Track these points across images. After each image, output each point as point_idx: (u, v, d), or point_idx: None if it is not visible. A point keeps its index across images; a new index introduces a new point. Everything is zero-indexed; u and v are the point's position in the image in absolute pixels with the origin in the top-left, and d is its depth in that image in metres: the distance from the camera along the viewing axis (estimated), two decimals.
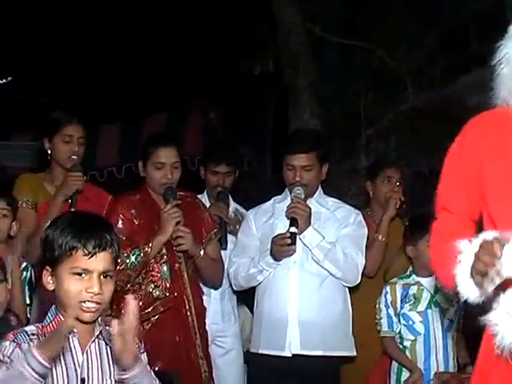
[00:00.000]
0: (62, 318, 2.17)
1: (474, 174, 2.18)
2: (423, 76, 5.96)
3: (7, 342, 2.13)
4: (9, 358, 2.10)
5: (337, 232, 3.83)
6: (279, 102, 6.88)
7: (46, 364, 2.01)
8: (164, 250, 3.71)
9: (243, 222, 4.14)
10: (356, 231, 3.88)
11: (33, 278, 3.57)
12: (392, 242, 4.19)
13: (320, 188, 3.98)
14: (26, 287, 3.55)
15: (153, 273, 3.70)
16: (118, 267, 3.51)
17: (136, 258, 3.63)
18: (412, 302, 3.86)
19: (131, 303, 2.07)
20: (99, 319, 2.24)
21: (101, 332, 2.22)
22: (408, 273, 3.97)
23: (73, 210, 3.70)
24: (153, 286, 3.69)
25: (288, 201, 3.81)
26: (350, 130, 6.06)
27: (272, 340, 3.78)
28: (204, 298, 4.16)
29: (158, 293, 3.69)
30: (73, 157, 3.86)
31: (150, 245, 3.64)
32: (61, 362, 2.14)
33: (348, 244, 3.80)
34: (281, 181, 4.01)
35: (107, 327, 2.23)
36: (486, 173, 2.15)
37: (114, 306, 3.61)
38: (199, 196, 4.39)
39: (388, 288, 3.95)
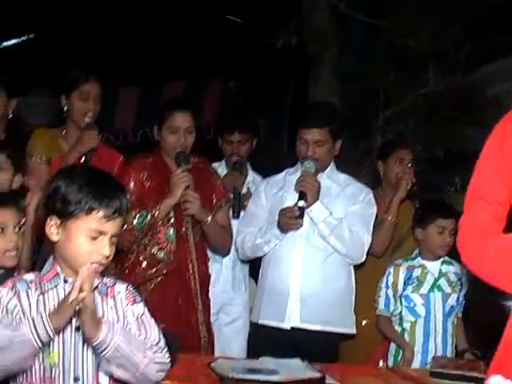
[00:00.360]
0: (58, 269, 2.18)
1: None
2: (447, 60, 5.90)
3: (5, 289, 2.15)
4: (5, 307, 2.12)
5: (345, 209, 3.81)
6: (300, 78, 6.85)
7: (52, 334, 2.04)
8: (172, 214, 3.72)
9: (254, 192, 4.14)
10: (365, 209, 3.86)
11: None
12: (401, 224, 4.17)
13: (333, 163, 3.96)
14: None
15: (159, 235, 3.71)
16: (124, 227, 3.57)
17: (143, 220, 3.64)
18: (415, 284, 3.86)
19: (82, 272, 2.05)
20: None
21: (97, 286, 2.22)
22: (413, 255, 3.96)
23: None
24: (157, 247, 3.71)
25: (299, 174, 3.80)
26: (368, 109, 6.03)
27: (272, 311, 3.79)
28: (216, 265, 4.22)
29: (162, 255, 3.71)
30: (89, 114, 3.87)
31: (158, 207, 3.66)
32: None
33: (355, 222, 3.79)
34: (295, 155, 4.00)
35: (105, 279, 2.26)
36: None
37: (119, 266, 3.66)
38: (217, 164, 4.43)
39: (391, 269, 3.93)
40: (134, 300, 2.27)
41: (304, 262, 3.77)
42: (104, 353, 2.09)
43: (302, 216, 3.64)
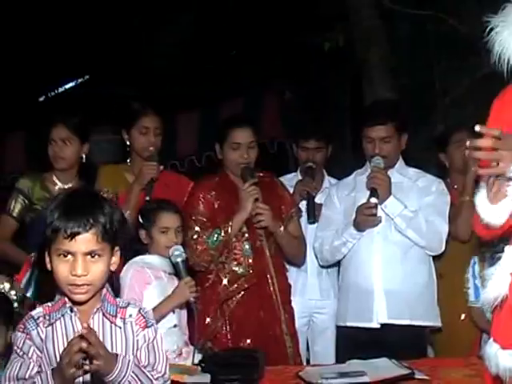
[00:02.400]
0: (66, 299, 2.21)
1: None
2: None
3: (19, 333, 2.21)
4: (21, 350, 2.18)
5: (419, 201, 3.79)
6: (353, 78, 6.82)
7: None
8: (245, 228, 3.77)
9: (326, 197, 4.15)
10: (438, 199, 3.83)
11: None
12: None
13: (401, 158, 3.96)
14: None
15: (235, 251, 3.77)
16: (200, 248, 3.64)
17: (217, 238, 3.71)
18: None
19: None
20: (103, 293, 2.25)
21: (100, 308, 2.24)
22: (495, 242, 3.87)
23: (148, 198, 3.82)
24: (235, 263, 3.76)
25: (368, 173, 3.80)
26: (425, 100, 5.97)
27: (359, 312, 3.79)
28: (301, 273, 4.24)
29: (241, 270, 3.76)
30: (150, 148, 3.95)
31: (230, 223, 3.72)
32: (63, 340, 2.19)
33: (431, 212, 3.76)
34: (361, 159, 3.99)
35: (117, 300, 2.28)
36: None
37: (199, 287, 3.72)
38: (292, 175, 4.51)
39: (476, 259, 3.88)
40: (146, 324, 2.26)
41: (384, 259, 3.77)
42: None
43: (376, 213, 3.67)
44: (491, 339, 2.33)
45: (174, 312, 3.38)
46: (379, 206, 3.72)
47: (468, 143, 2.13)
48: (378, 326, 3.74)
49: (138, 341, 2.24)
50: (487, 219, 2.22)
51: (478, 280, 3.83)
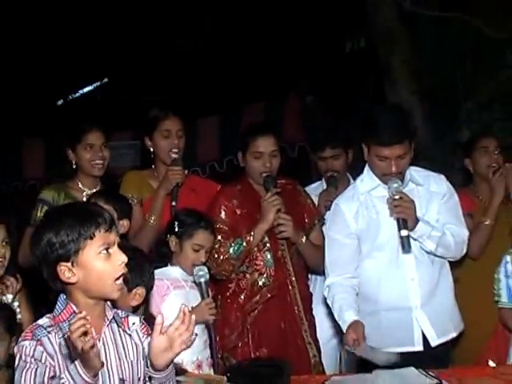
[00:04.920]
0: (74, 308, 2.22)
1: None
2: None
3: (26, 342, 2.17)
4: (32, 357, 2.15)
5: (437, 207, 3.61)
6: (375, 81, 6.78)
7: (91, 382, 2.09)
8: (266, 238, 3.74)
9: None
10: (451, 200, 3.65)
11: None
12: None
13: None
14: None
15: (256, 261, 3.74)
16: (221, 257, 3.62)
17: (239, 248, 3.69)
18: None
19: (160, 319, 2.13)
20: (108, 302, 2.29)
21: (114, 317, 2.29)
22: None
23: (174, 203, 3.79)
24: (257, 274, 3.73)
25: (382, 189, 3.55)
26: (449, 103, 5.91)
27: (399, 337, 3.55)
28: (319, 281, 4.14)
29: (263, 280, 3.73)
30: (173, 150, 3.93)
31: (252, 233, 3.69)
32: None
33: (448, 218, 3.60)
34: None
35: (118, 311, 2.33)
36: None
37: (219, 296, 3.70)
38: (317, 184, 4.45)
39: (508, 258, 3.78)
40: (148, 332, 2.31)
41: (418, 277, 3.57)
42: None
43: (409, 245, 3.39)
44: None
45: None
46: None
47: None
48: (421, 349, 3.53)
49: (144, 348, 2.30)
50: None
51: (511, 280, 3.77)
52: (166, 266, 3.53)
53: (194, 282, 3.43)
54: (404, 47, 5.89)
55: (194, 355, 3.35)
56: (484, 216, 4.06)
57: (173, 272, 3.49)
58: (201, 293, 3.39)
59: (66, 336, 2.13)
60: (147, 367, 2.21)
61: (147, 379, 2.23)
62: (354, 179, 4.30)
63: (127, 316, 2.36)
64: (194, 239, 3.47)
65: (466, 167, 4.37)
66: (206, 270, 3.40)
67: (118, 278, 2.23)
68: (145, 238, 3.78)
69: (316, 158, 4.50)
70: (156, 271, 3.41)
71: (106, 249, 2.21)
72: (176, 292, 3.42)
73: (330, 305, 3.55)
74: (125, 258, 2.24)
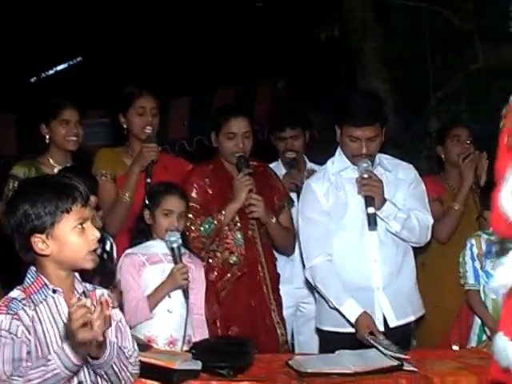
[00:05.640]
0: (45, 280, 2.25)
1: None
2: (494, 33, 5.80)
3: (2, 316, 2.16)
4: (8, 331, 2.15)
5: (404, 193, 3.69)
6: (347, 69, 6.84)
7: (79, 363, 2.13)
8: (237, 218, 3.78)
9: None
10: (418, 188, 3.73)
11: (113, 249, 3.65)
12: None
13: None
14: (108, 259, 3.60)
15: (227, 240, 3.78)
16: (192, 234, 3.66)
17: (210, 226, 3.72)
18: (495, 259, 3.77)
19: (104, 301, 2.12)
20: (77, 275, 2.33)
21: (83, 291, 2.32)
22: (491, 230, 3.88)
23: (149, 180, 3.82)
24: (228, 252, 3.78)
25: (351, 171, 3.64)
26: (419, 92, 5.99)
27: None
28: (288, 262, 4.23)
29: (234, 259, 3.77)
30: (147, 127, 3.96)
31: (224, 212, 3.73)
32: (51, 322, 2.23)
33: (414, 204, 3.67)
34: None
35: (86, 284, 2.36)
36: None
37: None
38: (273, 164, 4.46)
39: (473, 241, 3.89)
40: (113, 305, 2.33)
41: (382, 259, 3.62)
42: (100, 371, 2.22)
43: (375, 222, 3.49)
44: (500, 332, 2.31)
45: (169, 296, 3.39)
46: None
47: None
48: (383, 330, 3.54)
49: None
50: None
51: (477, 262, 3.85)
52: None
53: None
54: (376, 36, 5.96)
55: (168, 332, 3.36)
56: (453, 201, 4.14)
57: (152, 246, 3.50)
58: (173, 258, 3.39)
59: (66, 321, 2.14)
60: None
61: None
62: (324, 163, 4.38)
63: (95, 289, 2.38)
64: (162, 205, 3.48)
65: (437, 154, 4.46)
66: (178, 235, 3.41)
67: (91, 252, 2.26)
68: (118, 214, 3.81)
69: (275, 138, 4.53)
70: (134, 248, 3.49)
71: (81, 223, 2.23)
72: (152, 267, 3.43)
73: (320, 288, 3.58)
74: (98, 233, 2.27)
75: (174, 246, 3.39)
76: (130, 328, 2.50)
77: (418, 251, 3.85)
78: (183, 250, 3.50)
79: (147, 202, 3.56)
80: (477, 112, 5.78)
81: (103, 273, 3.17)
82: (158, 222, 3.49)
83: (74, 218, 2.22)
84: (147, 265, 3.44)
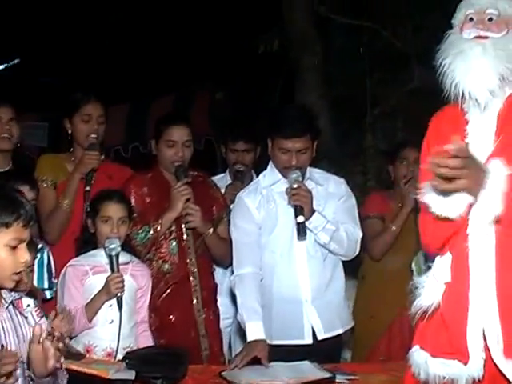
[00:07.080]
0: None
1: None
2: (430, 55, 5.92)
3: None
4: None
5: (334, 207, 3.71)
6: (286, 83, 6.90)
7: None
8: (173, 227, 3.77)
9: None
10: (348, 202, 3.76)
11: (51, 260, 3.62)
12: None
13: None
14: (45, 269, 3.58)
15: (161, 249, 3.77)
16: (132, 242, 3.63)
17: (145, 235, 3.70)
18: None
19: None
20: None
21: (12, 299, 2.30)
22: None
23: (88, 188, 3.78)
24: (161, 261, 3.76)
25: (282, 185, 3.66)
26: (356, 109, 6.07)
27: (286, 329, 3.64)
28: (227, 273, 4.15)
29: (167, 267, 3.76)
30: (92, 135, 3.90)
31: (160, 221, 3.71)
32: None
33: (344, 218, 3.70)
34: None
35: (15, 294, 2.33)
36: None
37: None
38: (221, 175, 4.49)
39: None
40: (42, 314, 2.34)
41: (310, 271, 3.66)
42: None
43: (304, 231, 3.51)
44: (417, 346, 2.38)
45: (110, 306, 3.37)
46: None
47: (432, 159, 2.14)
48: (311, 342, 3.60)
49: None
50: (443, 213, 2.25)
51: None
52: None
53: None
54: (316, 52, 6.00)
55: (107, 342, 3.34)
56: (391, 222, 4.21)
57: (96, 255, 3.47)
58: (111, 266, 3.37)
59: None
60: (28, 369, 2.20)
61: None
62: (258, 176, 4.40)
63: (21, 297, 2.35)
64: (101, 212, 3.46)
65: (387, 173, 4.48)
66: (118, 242, 3.38)
67: (16, 273, 2.21)
68: (57, 221, 3.78)
69: (226, 149, 4.54)
70: (79, 257, 3.46)
71: (16, 243, 2.19)
72: (95, 276, 3.40)
73: (237, 297, 3.56)
74: (29, 258, 2.23)
75: (113, 253, 3.36)
76: (71, 338, 2.48)
77: (359, 264, 3.92)
78: (132, 257, 3.49)
79: (88, 209, 3.52)
80: (411, 133, 5.88)
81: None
82: (99, 230, 3.47)
83: (11, 236, 2.18)
84: (90, 274, 3.41)
